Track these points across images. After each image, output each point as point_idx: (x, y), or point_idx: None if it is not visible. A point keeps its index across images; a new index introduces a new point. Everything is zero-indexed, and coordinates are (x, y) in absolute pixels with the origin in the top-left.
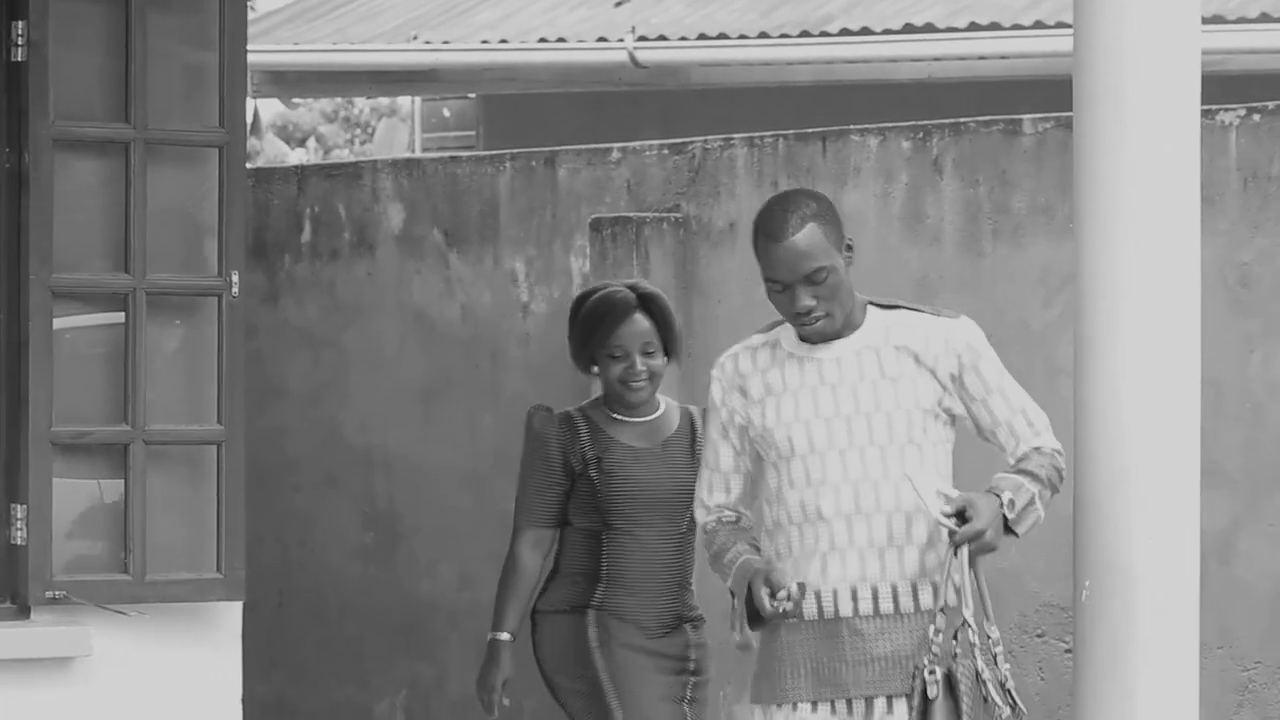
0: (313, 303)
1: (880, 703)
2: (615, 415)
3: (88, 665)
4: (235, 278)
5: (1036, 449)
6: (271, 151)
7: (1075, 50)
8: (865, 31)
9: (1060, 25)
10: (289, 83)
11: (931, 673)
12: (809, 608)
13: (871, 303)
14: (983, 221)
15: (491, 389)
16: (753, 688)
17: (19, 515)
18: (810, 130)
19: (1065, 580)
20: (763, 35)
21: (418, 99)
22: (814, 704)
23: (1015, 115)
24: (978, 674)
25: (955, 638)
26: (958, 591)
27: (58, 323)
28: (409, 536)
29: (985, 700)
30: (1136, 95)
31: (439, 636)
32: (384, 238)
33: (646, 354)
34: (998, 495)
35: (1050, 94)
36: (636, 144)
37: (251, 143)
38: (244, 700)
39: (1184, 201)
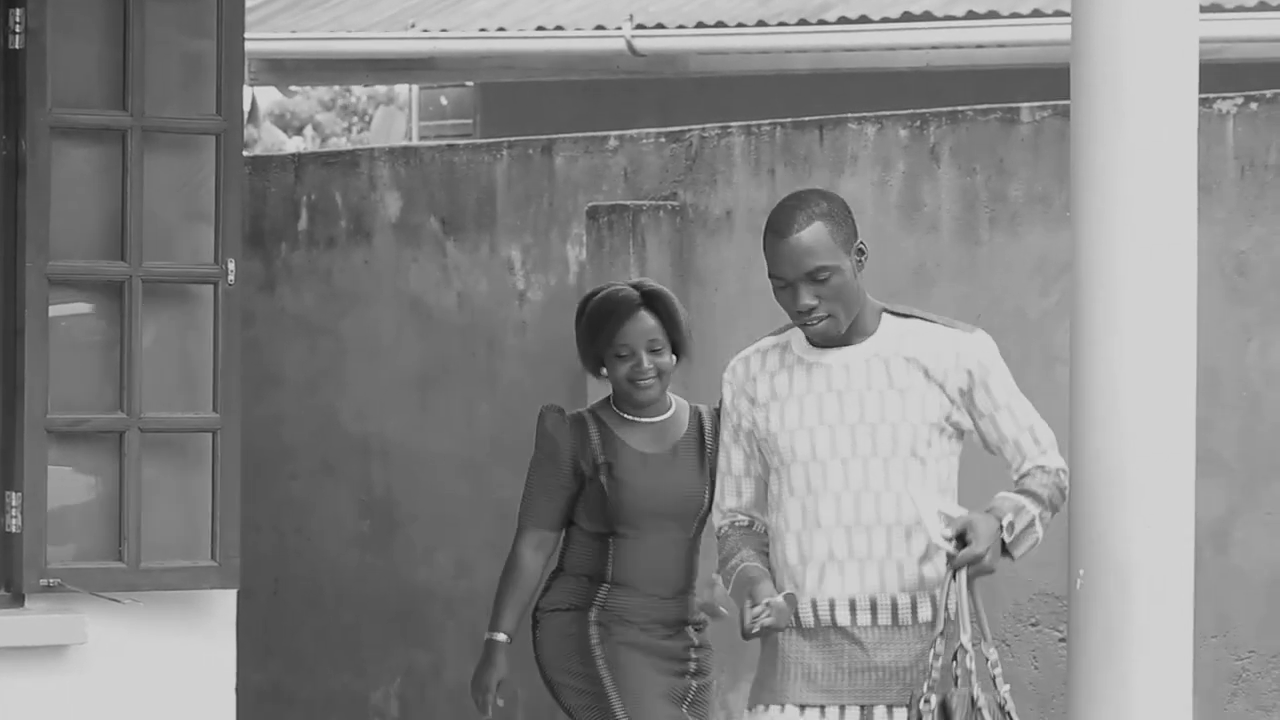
0: (309, 291)
1: (880, 711)
2: (625, 416)
3: (82, 653)
4: (232, 266)
5: (1041, 467)
6: (269, 139)
7: (1073, 38)
8: (863, 20)
9: (1058, 13)
10: (286, 71)
11: (927, 701)
12: (806, 615)
13: (886, 310)
14: (980, 210)
15: (488, 377)
16: (750, 693)
17: (14, 503)
18: (808, 119)
19: (1060, 569)
20: (760, 24)
21: (415, 87)
22: (802, 707)
23: (1013, 104)
24: (973, 701)
25: (955, 658)
26: (955, 615)
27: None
28: (405, 524)
29: None
30: (1134, 84)
31: (435, 625)
32: (381, 226)
33: (653, 351)
34: (998, 517)
35: (1048, 82)
36: (634, 132)
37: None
38: (239, 688)
39: (1181, 190)
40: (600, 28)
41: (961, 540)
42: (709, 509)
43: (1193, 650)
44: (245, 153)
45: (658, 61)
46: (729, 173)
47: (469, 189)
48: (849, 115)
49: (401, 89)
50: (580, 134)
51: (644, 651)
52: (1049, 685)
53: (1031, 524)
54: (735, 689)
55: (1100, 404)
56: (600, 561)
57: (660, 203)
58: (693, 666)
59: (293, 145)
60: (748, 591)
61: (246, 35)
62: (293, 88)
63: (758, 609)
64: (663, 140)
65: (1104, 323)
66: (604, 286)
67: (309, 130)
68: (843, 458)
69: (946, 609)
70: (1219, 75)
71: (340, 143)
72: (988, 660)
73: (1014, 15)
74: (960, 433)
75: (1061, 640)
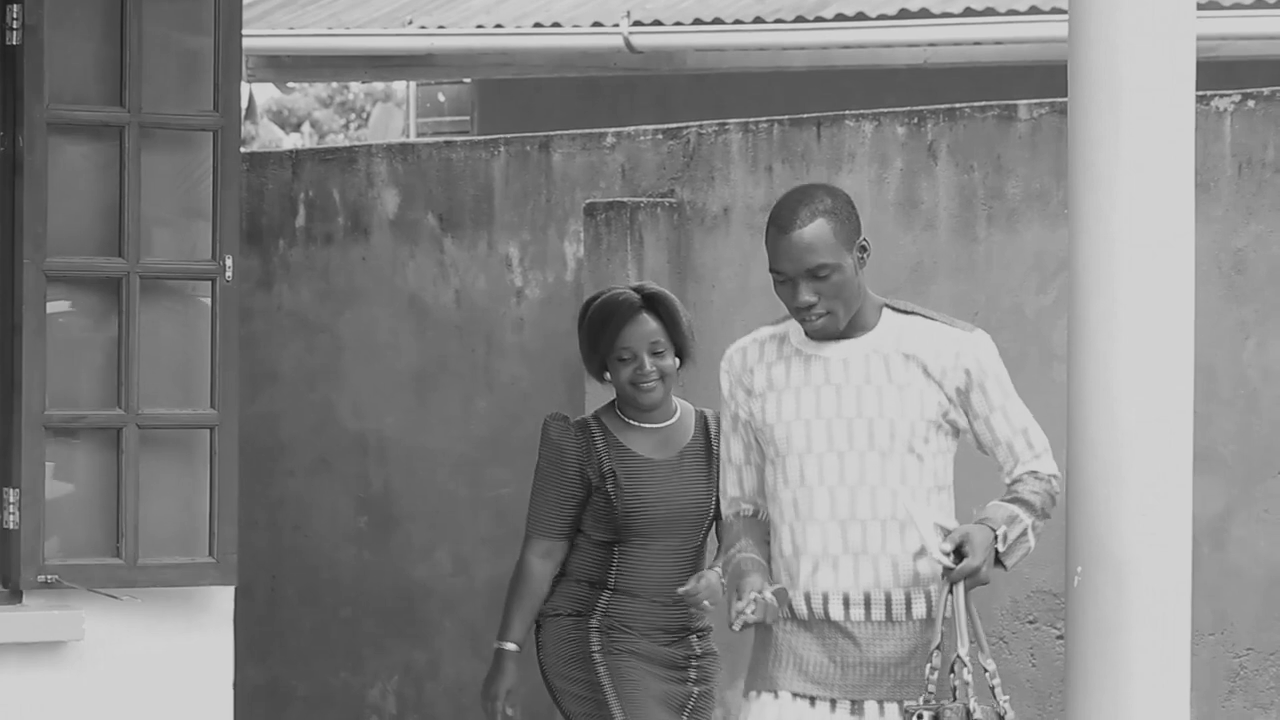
0: (307, 287)
1: (871, 705)
2: (630, 421)
3: (80, 649)
4: (229, 262)
5: (1033, 473)
6: (266, 136)
7: (1070, 35)
8: (860, 17)
9: (1055, 10)
10: (284, 67)
11: (919, 717)
12: (800, 607)
13: (888, 305)
14: (977, 207)
15: (485, 374)
16: (746, 680)
17: (12, 499)
18: (805, 115)
19: (1057, 566)
20: (758, 20)
21: (413, 84)
22: (794, 695)
23: (1010, 101)
24: (969, 713)
25: (952, 670)
26: (952, 628)
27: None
28: (403, 521)
29: None
30: (1132, 81)
31: (432, 622)
32: (378, 222)
33: (655, 354)
34: (992, 528)
35: (1045, 79)
36: (631, 129)
37: (246, 127)
38: (236, 684)
39: (1178, 187)
40: (598, 24)
41: (958, 553)
42: (716, 515)
43: (1190, 647)
44: (243, 149)
45: (655, 58)
46: (726, 170)
47: (467, 186)
48: (846, 112)
49: (399, 85)
50: (578, 131)
51: (645, 659)
52: (1046, 683)
53: (1024, 534)
54: (733, 686)
55: (1097, 401)
56: (603, 568)
57: (658, 200)
58: (694, 674)
59: (290, 142)
60: (736, 584)
61: (244, 31)
62: (290, 84)
63: (743, 603)
64: (660, 137)
65: (1101, 320)
66: (605, 290)
67: (306, 127)
68: (839, 451)
69: (944, 621)
70: (1216, 73)
71: (338, 139)
72: (986, 671)
73: (1011, 12)
74: (957, 430)
75: (1059, 638)
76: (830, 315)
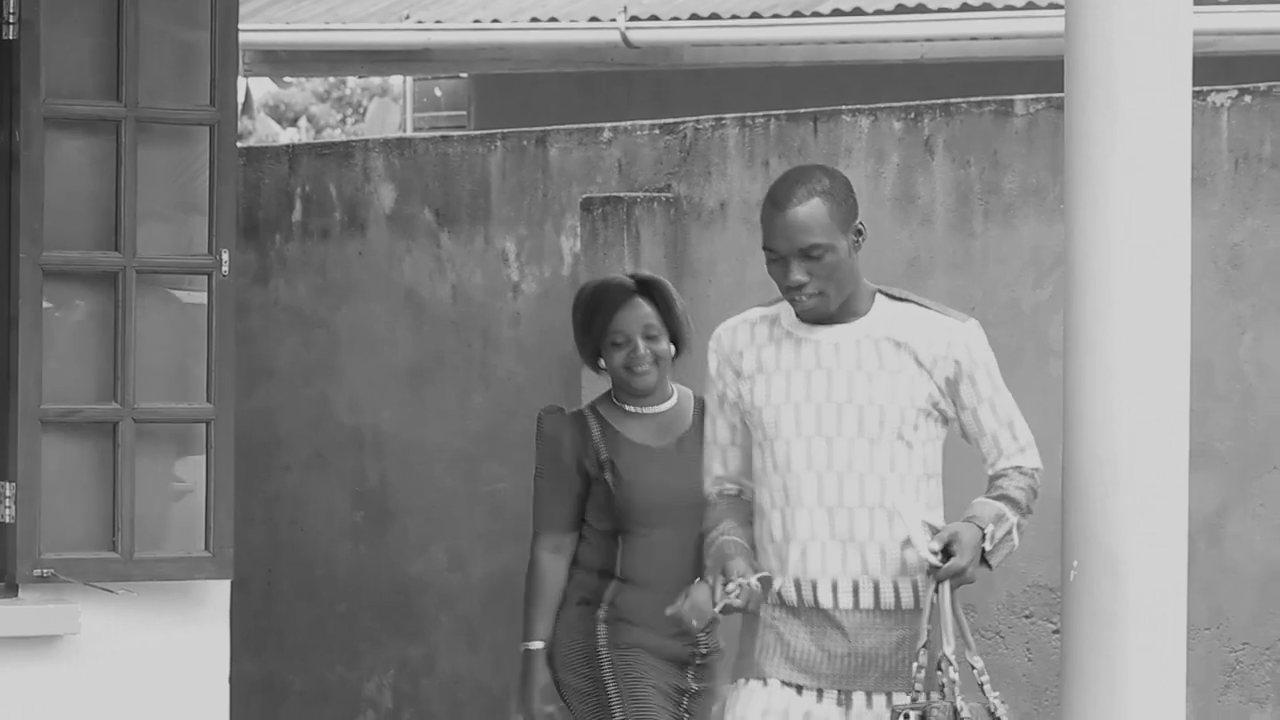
0: (303, 282)
1: (859, 697)
2: (626, 408)
3: (75, 643)
4: (225, 256)
5: (1018, 468)
6: (263, 131)
7: (1066, 31)
8: (857, 12)
9: (1052, 6)
10: (281, 62)
11: (906, 717)
12: (789, 593)
13: (881, 292)
14: (974, 202)
15: (482, 368)
16: (733, 667)
17: (7, 493)
18: (802, 110)
19: (1053, 560)
20: (755, 15)
21: (409, 78)
22: (781, 684)
23: (1007, 96)
24: (956, 712)
25: (939, 668)
26: (939, 626)
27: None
28: (399, 516)
29: None
30: (1128, 76)
31: (429, 616)
32: (375, 217)
33: (649, 338)
34: (980, 527)
35: (1042, 75)
36: (628, 124)
37: (243, 122)
38: (232, 678)
39: (1175, 182)
40: (594, 19)
41: (946, 552)
42: None
43: (1186, 642)
44: (239, 144)
45: (652, 53)
46: (723, 164)
47: (463, 180)
48: (843, 107)
49: (396, 80)
50: (574, 126)
51: (650, 652)
52: (1042, 677)
53: (1010, 533)
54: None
55: (1094, 396)
56: (609, 559)
57: (654, 194)
58: (699, 670)
59: (287, 136)
60: (720, 568)
61: (240, 26)
62: (287, 79)
63: (730, 586)
64: (657, 132)
65: (1097, 315)
66: (599, 278)
67: (303, 121)
68: (828, 436)
69: (930, 620)
70: (1214, 68)
71: (334, 134)
72: (974, 669)
73: (1008, 7)
74: (946, 418)
75: (1055, 632)
76: (821, 296)
